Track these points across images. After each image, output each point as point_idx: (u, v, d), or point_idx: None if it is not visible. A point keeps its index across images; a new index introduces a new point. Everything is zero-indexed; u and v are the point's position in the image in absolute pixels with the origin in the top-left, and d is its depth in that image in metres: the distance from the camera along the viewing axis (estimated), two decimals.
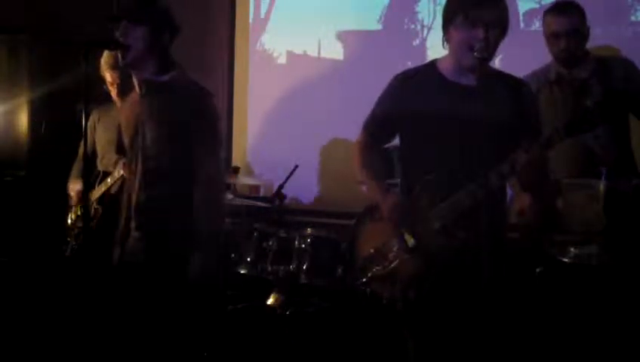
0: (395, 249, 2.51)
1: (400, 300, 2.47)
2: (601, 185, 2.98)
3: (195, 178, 2.71)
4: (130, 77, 2.85)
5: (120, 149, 3.33)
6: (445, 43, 2.50)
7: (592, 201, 3.02)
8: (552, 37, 3.19)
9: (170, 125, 2.72)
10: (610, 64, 3.25)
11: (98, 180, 3.71)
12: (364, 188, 3.51)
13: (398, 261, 2.50)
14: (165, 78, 2.76)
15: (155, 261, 2.72)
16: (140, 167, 2.77)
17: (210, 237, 2.69)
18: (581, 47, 3.21)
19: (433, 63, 2.58)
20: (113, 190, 3.60)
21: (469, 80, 2.45)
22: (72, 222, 3.85)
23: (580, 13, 3.18)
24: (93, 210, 3.70)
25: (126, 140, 2.88)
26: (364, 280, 2.58)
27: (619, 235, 2.99)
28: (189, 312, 2.74)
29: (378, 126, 2.65)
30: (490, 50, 2.41)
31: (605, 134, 3.11)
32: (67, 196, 3.89)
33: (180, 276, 2.69)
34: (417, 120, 2.51)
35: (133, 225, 2.81)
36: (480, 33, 2.36)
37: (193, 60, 4.04)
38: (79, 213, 3.79)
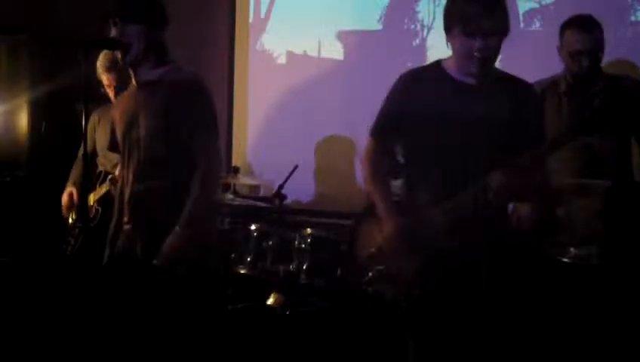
0: (398, 247, 2.51)
1: (404, 299, 2.47)
2: (603, 187, 2.98)
3: (192, 166, 2.71)
4: (127, 76, 2.85)
5: (113, 146, 3.30)
6: (448, 44, 2.51)
7: (593, 203, 3.02)
8: (574, 54, 3.11)
9: (165, 116, 2.72)
10: (619, 82, 3.22)
11: (99, 181, 3.72)
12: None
13: (400, 260, 2.50)
14: (160, 71, 2.77)
15: (149, 254, 2.72)
16: (134, 159, 2.78)
17: (191, 220, 2.66)
18: (599, 62, 3.16)
19: (438, 63, 2.58)
20: (114, 191, 3.61)
21: (474, 80, 2.46)
22: (72, 222, 3.86)
23: (600, 29, 3.12)
24: (94, 211, 3.70)
25: (119, 135, 2.88)
26: (366, 279, 2.58)
27: (619, 235, 2.99)
28: (186, 310, 2.74)
29: (386, 129, 2.64)
30: (490, 55, 2.41)
31: (609, 139, 3.10)
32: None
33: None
34: (423, 119, 2.51)
35: (125, 219, 2.81)
36: (477, 44, 2.37)
37: (193, 60, 4.05)
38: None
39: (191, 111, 2.72)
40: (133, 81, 2.82)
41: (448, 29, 2.45)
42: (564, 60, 3.19)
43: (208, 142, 2.75)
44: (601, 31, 3.13)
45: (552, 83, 3.25)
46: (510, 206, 2.67)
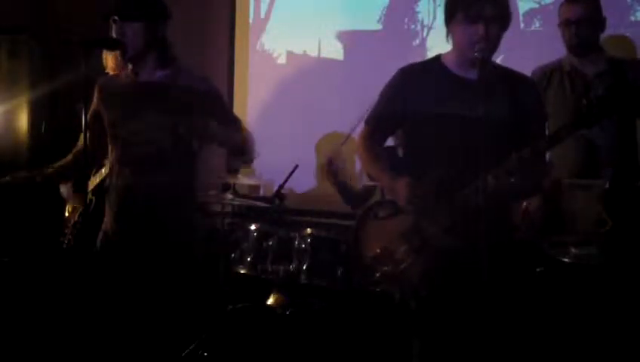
0: (403, 248, 2.51)
1: (413, 299, 2.47)
2: (604, 186, 2.97)
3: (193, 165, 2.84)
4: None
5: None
6: (449, 38, 2.52)
7: (593, 202, 3.02)
8: (564, 24, 3.21)
9: (172, 115, 2.72)
10: (624, 64, 3.24)
11: (93, 171, 3.71)
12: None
13: (408, 260, 2.50)
14: (166, 72, 2.77)
15: (139, 247, 2.73)
16: (132, 153, 2.77)
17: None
18: (593, 37, 3.22)
19: (438, 58, 2.59)
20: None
21: (473, 74, 2.45)
22: (68, 215, 3.85)
23: (593, 2, 3.20)
24: (87, 200, 3.69)
25: (111, 124, 2.85)
26: (373, 280, 2.58)
27: (619, 235, 2.99)
28: (186, 310, 2.75)
29: (381, 120, 2.65)
30: (491, 46, 2.42)
31: (609, 133, 3.09)
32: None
33: (172, 263, 2.71)
34: (421, 113, 2.51)
35: (115, 209, 2.81)
36: (480, 29, 2.38)
37: (193, 60, 4.04)
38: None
39: (201, 105, 2.77)
40: (130, 72, 2.81)
41: (450, 16, 2.47)
42: (562, 36, 3.24)
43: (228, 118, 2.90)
44: (595, 3, 3.20)
45: (558, 63, 3.29)
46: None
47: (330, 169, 3.81)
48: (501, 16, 2.41)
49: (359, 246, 2.68)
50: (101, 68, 3.56)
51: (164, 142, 2.73)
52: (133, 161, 2.78)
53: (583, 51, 3.21)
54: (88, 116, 2.61)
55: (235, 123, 2.91)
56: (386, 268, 2.54)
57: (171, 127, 2.67)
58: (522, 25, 4.11)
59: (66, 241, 3.80)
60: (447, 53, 2.56)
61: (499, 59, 2.53)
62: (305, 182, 4.45)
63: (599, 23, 3.23)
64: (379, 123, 2.66)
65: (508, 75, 2.53)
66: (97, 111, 2.89)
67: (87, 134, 2.61)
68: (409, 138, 2.62)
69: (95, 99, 2.89)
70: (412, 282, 2.47)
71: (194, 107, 2.73)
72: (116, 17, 2.70)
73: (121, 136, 2.80)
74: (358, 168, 4.44)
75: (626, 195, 3.06)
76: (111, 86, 2.91)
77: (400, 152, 2.70)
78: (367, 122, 2.69)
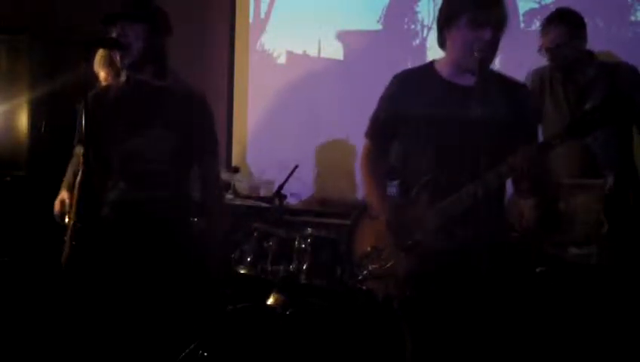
0: (390, 247, 2.51)
1: (397, 298, 2.47)
2: (604, 186, 2.98)
3: (199, 178, 2.83)
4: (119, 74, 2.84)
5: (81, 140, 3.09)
6: (444, 43, 2.49)
7: (593, 202, 3.02)
8: (543, 50, 3.23)
9: (172, 129, 2.72)
10: (615, 70, 3.24)
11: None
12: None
13: (393, 259, 2.50)
14: (164, 82, 2.77)
15: (138, 260, 2.74)
16: (131, 168, 2.77)
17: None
18: (571, 57, 3.20)
19: (432, 64, 2.56)
20: None
21: (468, 80, 2.43)
22: (69, 222, 3.84)
23: (567, 24, 3.18)
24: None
25: (105, 135, 2.82)
26: (360, 277, 2.59)
27: (619, 235, 2.99)
28: (186, 310, 2.75)
29: (380, 130, 2.63)
30: (493, 50, 2.40)
31: (606, 137, 3.10)
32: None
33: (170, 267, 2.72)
34: (415, 120, 2.50)
35: (110, 221, 2.81)
36: (487, 34, 2.33)
37: (193, 61, 4.06)
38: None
39: (195, 126, 2.76)
40: (124, 81, 2.80)
41: (451, 19, 2.40)
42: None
43: (212, 155, 2.88)
44: (568, 26, 3.18)
45: (550, 68, 3.32)
46: (509, 198, 2.66)
47: None
48: (504, 20, 2.38)
49: (352, 245, 2.69)
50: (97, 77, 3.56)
51: (162, 160, 2.73)
52: (130, 176, 2.77)
53: (568, 70, 3.23)
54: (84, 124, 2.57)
55: (212, 157, 2.91)
56: (373, 266, 2.54)
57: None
58: (522, 25, 4.11)
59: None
60: (441, 59, 2.53)
61: (498, 59, 2.52)
62: (305, 182, 4.45)
63: (575, 43, 3.19)
64: (379, 133, 2.64)
65: (502, 80, 2.51)
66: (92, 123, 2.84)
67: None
68: (404, 145, 2.60)
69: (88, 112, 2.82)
70: (398, 281, 2.47)
71: (192, 126, 2.76)
72: (119, 18, 2.68)
73: (118, 151, 2.78)
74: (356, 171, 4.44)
75: (626, 196, 3.06)
76: (105, 99, 2.85)
77: (394, 160, 2.69)
78: (367, 135, 2.67)
